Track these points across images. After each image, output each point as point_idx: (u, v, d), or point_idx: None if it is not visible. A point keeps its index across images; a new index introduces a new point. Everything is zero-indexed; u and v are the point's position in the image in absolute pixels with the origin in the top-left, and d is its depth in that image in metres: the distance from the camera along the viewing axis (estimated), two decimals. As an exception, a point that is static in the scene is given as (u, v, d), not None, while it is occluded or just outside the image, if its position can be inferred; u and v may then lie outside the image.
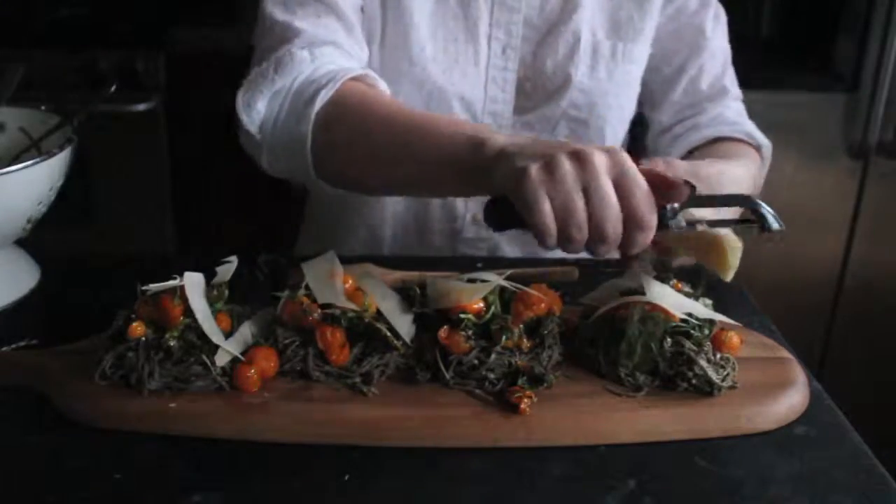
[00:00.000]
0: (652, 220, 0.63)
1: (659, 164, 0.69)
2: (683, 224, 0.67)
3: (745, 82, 1.86)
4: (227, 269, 0.72)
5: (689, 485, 0.60)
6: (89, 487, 0.59)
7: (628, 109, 1.04)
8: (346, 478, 0.60)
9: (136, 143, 1.97)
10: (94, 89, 1.89)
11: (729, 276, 0.70)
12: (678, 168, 0.71)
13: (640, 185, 0.62)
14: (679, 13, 1.03)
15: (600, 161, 0.62)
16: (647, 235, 0.63)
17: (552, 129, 0.99)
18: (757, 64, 1.90)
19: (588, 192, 0.61)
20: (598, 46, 0.98)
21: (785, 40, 1.91)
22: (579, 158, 0.62)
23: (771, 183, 1.96)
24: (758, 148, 1.03)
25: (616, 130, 1.04)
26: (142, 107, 1.93)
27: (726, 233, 0.70)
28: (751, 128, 1.04)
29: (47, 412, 0.67)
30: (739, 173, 0.88)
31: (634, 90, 1.04)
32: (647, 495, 0.59)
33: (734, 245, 0.69)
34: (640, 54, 1.01)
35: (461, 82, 0.97)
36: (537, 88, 0.99)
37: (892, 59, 1.81)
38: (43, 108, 0.93)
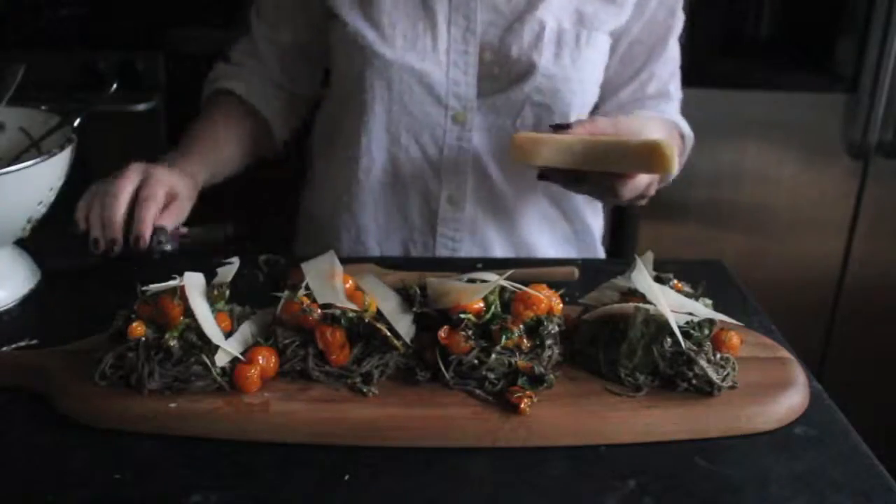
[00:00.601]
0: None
1: (585, 124, 0.85)
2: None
3: (745, 82, 1.86)
4: (229, 270, 0.72)
5: (689, 485, 0.60)
6: (89, 487, 0.59)
7: (591, 94, 1.07)
8: (346, 478, 0.61)
9: (136, 143, 1.97)
10: (94, 89, 1.89)
11: (675, 170, 0.81)
12: (600, 124, 0.86)
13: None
14: (648, 24, 1.07)
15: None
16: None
17: (517, 113, 1.03)
18: (757, 64, 1.90)
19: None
20: (562, 35, 1.01)
21: (785, 40, 1.91)
22: None
23: (771, 183, 1.97)
24: (682, 136, 1.10)
25: (579, 115, 1.07)
26: (142, 107, 1.93)
27: (659, 134, 0.84)
28: (679, 119, 1.12)
29: (47, 412, 0.67)
30: (658, 125, 0.99)
31: (597, 77, 1.06)
32: (647, 495, 0.59)
33: (668, 141, 0.80)
34: (603, 43, 1.04)
35: (422, 65, 1.01)
36: (503, 73, 1.02)
37: (892, 59, 1.81)
38: (43, 108, 0.93)
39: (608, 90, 1.10)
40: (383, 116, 1.03)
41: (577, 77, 1.02)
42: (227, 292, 0.71)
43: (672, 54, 1.12)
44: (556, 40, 1.01)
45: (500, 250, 1.10)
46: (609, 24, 1.03)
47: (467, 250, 1.09)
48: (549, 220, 1.13)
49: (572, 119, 1.01)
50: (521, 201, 1.09)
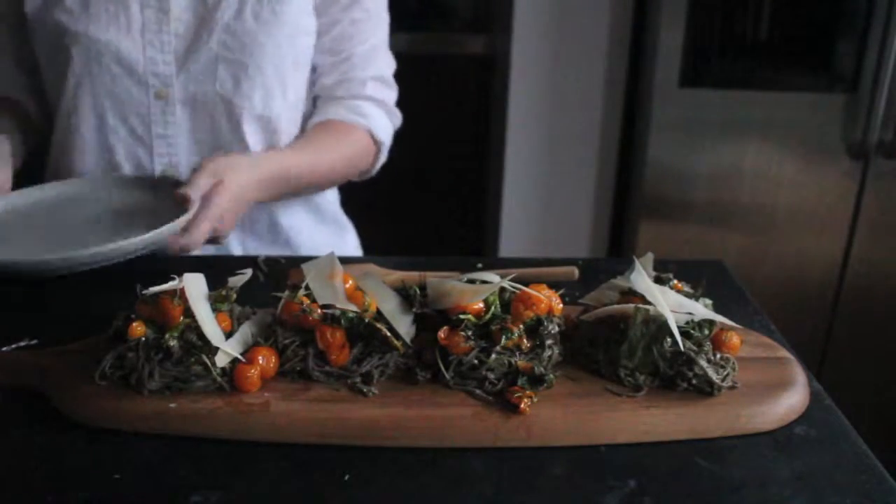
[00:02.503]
0: None
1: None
2: None
3: (745, 82, 1.86)
4: (240, 279, 0.72)
5: (689, 485, 0.60)
6: (89, 487, 0.59)
7: (290, 53, 1.10)
8: (346, 478, 0.61)
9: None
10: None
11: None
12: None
13: None
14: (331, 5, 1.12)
15: None
16: None
17: (214, 73, 1.06)
18: (757, 64, 1.90)
19: None
20: None
21: (785, 40, 1.91)
22: None
23: (771, 183, 1.97)
24: (377, 143, 1.18)
25: (282, 74, 1.10)
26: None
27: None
28: (376, 125, 1.17)
29: (47, 412, 0.67)
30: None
31: (291, 33, 1.09)
32: (647, 495, 0.59)
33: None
34: (295, 5, 1.09)
35: (120, 45, 1.05)
36: (190, 34, 1.06)
37: (892, 59, 1.81)
38: None
39: (317, 70, 1.16)
40: (89, 100, 1.07)
41: (263, 31, 1.06)
42: (234, 296, 0.71)
43: (372, 43, 1.16)
44: None
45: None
46: None
47: None
48: None
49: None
50: None
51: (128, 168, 1.11)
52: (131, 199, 1.02)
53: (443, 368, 0.68)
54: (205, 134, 1.10)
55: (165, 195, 0.98)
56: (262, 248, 1.18)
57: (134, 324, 0.67)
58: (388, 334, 0.68)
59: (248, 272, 0.73)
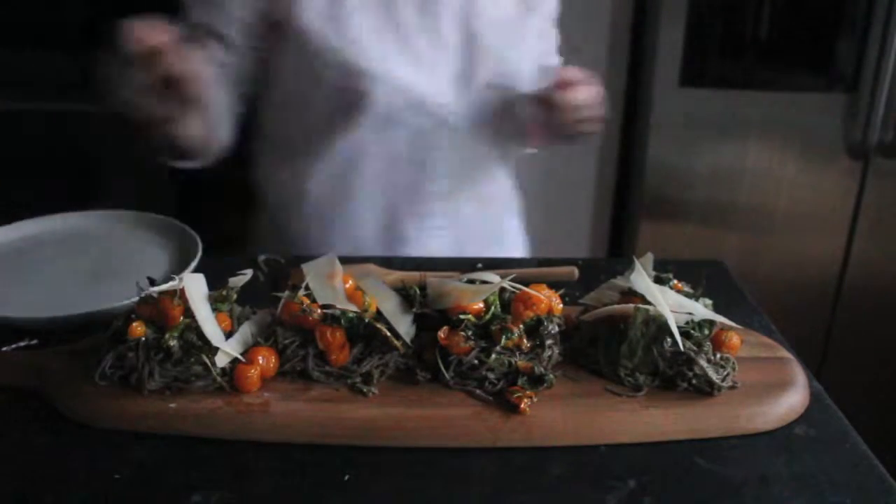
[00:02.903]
0: None
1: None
2: None
3: (745, 82, 1.86)
4: (240, 279, 0.72)
5: (689, 485, 0.60)
6: (89, 487, 0.59)
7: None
8: (346, 478, 0.61)
9: (136, 143, 1.97)
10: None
11: None
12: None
13: None
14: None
15: None
16: None
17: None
18: (757, 64, 1.90)
19: None
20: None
21: (785, 40, 1.91)
22: None
23: (771, 183, 1.97)
24: None
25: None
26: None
27: None
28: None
29: (47, 412, 0.67)
30: None
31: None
32: (647, 495, 0.59)
33: None
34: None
35: (417, 80, 1.04)
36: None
37: (892, 59, 1.81)
38: None
39: None
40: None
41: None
42: (235, 296, 0.71)
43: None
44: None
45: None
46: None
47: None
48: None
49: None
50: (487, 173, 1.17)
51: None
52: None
53: (443, 368, 0.68)
54: None
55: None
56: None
57: (134, 324, 0.67)
58: (388, 334, 0.68)
59: (249, 273, 0.73)
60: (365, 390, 0.67)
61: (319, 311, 0.68)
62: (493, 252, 1.15)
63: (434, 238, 1.13)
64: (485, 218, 1.18)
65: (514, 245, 1.25)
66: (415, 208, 1.10)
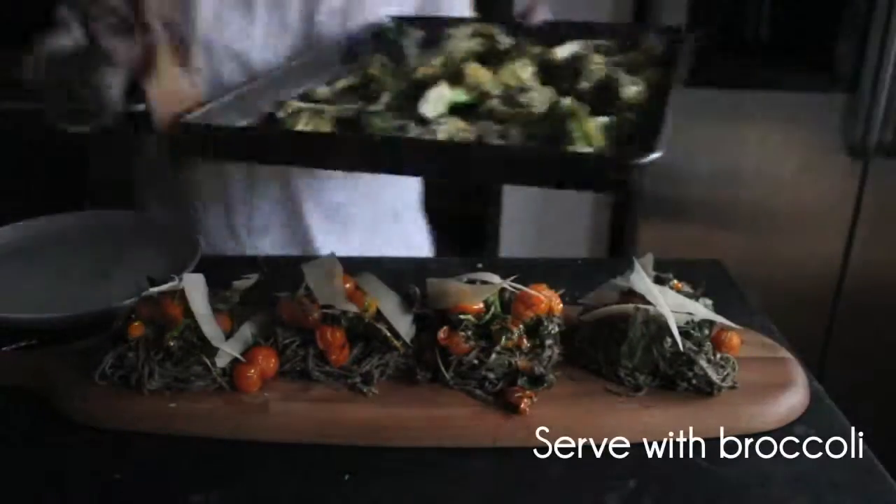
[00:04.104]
0: None
1: None
2: None
3: (745, 82, 1.85)
4: (244, 283, 0.72)
5: (689, 485, 0.60)
6: (89, 487, 0.59)
7: None
8: (346, 478, 0.61)
9: (136, 143, 1.97)
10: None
11: None
12: None
13: None
14: None
15: None
16: None
17: None
18: (757, 64, 1.90)
19: None
20: None
21: (785, 40, 1.91)
22: None
23: (771, 183, 1.96)
24: None
25: None
26: (142, 107, 1.92)
27: None
28: None
29: (47, 412, 0.67)
30: None
31: None
32: (647, 495, 0.59)
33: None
34: None
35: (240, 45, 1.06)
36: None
37: (892, 59, 1.81)
38: None
39: None
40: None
41: None
42: (237, 299, 0.71)
43: None
44: None
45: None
46: None
47: None
48: None
49: None
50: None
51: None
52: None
53: (443, 368, 0.68)
54: None
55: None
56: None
57: (134, 324, 0.67)
58: (388, 334, 0.68)
59: (254, 277, 0.73)
60: (365, 390, 0.67)
61: (319, 311, 0.68)
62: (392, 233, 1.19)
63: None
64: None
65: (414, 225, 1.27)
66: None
